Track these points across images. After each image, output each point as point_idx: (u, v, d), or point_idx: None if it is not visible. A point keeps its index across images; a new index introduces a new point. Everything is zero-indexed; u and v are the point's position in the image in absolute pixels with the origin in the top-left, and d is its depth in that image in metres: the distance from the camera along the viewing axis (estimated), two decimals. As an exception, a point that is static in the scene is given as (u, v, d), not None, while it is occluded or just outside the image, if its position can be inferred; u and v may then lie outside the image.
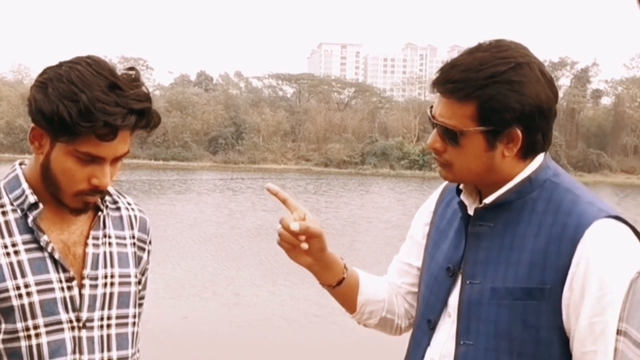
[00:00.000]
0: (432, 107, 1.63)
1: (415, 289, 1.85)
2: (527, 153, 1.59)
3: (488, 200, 1.60)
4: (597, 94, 76.23)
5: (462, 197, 1.67)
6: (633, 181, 63.14)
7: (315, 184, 48.43)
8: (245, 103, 76.21)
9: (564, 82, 75.58)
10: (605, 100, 76.79)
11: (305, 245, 1.68)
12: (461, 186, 1.69)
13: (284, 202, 1.73)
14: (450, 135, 1.57)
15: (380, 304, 1.85)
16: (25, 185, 1.64)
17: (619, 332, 0.73)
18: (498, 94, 1.51)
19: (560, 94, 75.63)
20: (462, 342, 1.59)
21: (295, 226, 1.65)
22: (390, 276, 1.91)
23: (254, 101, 77.33)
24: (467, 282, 1.60)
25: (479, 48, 1.57)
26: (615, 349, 0.73)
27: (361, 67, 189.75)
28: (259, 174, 58.00)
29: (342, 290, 1.81)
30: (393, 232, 20.18)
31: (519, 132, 1.54)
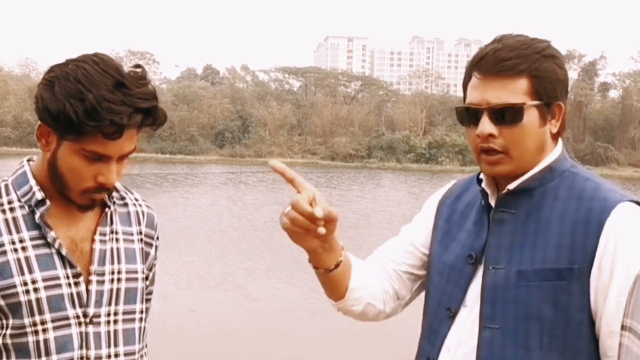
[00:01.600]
0: (461, 104, 1.65)
1: (415, 271, 1.86)
2: (560, 132, 1.65)
3: (512, 186, 1.63)
4: (605, 87, 75.83)
5: (484, 185, 1.69)
6: (641, 175, 62.86)
7: (325, 177, 48.43)
8: (252, 96, 76.11)
9: (571, 75, 75.14)
10: (613, 94, 76.40)
11: (322, 230, 1.53)
12: (481, 176, 1.70)
13: (291, 181, 1.57)
14: (509, 115, 1.58)
15: (368, 289, 1.81)
16: (32, 182, 1.65)
17: (623, 328, 0.70)
18: (549, 66, 1.59)
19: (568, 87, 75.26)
20: (486, 327, 1.60)
21: (319, 212, 1.49)
22: (391, 254, 1.88)
23: (260, 95, 77.20)
24: (490, 267, 1.62)
25: (505, 37, 1.63)
26: (620, 344, 0.71)
27: (368, 60, 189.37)
28: (266, 168, 57.96)
29: (337, 273, 1.73)
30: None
31: (562, 107, 1.62)
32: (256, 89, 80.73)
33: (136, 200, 1.84)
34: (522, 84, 1.58)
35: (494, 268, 1.61)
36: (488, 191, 1.68)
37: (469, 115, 1.63)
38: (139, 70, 1.62)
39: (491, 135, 1.60)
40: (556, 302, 1.54)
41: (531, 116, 1.59)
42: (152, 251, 1.84)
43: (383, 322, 1.96)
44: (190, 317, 10.62)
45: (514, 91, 1.58)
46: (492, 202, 1.67)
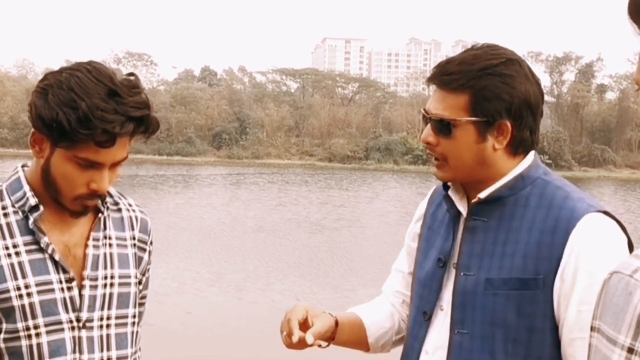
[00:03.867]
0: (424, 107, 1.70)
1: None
2: (516, 149, 1.65)
3: (483, 194, 1.65)
4: (602, 89, 75.92)
5: (450, 192, 1.73)
6: (638, 176, 62.91)
7: (323, 179, 48.34)
8: (249, 98, 76.13)
9: (568, 77, 75.40)
10: (610, 95, 76.49)
11: (323, 344, 1.80)
12: (449, 183, 1.74)
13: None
14: (443, 127, 1.64)
15: (388, 334, 1.94)
16: (26, 187, 1.67)
17: (592, 329, 0.77)
18: (490, 84, 1.59)
19: (565, 89, 75.80)
20: (456, 332, 1.65)
21: (310, 339, 1.71)
22: (393, 286, 1.98)
23: (257, 96, 77.23)
24: (462, 274, 1.66)
25: (473, 47, 1.67)
26: (590, 345, 0.78)
27: (365, 62, 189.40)
28: (263, 169, 58.01)
29: (343, 341, 1.88)
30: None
31: (509, 125, 1.61)
32: (253, 91, 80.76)
33: (130, 205, 1.86)
34: (462, 99, 1.61)
35: (465, 274, 1.66)
36: (455, 198, 1.71)
37: (424, 120, 1.71)
38: (132, 78, 1.64)
39: (431, 143, 1.67)
40: (520, 310, 1.57)
41: (466, 131, 1.62)
42: (146, 256, 1.86)
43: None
44: (186, 319, 10.63)
45: (452, 105, 1.62)
46: (462, 209, 1.70)
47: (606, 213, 1.59)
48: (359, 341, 1.92)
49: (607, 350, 0.76)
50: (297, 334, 1.70)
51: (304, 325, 1.74)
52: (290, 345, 1.74)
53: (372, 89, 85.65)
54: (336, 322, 1.85)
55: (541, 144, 65.31)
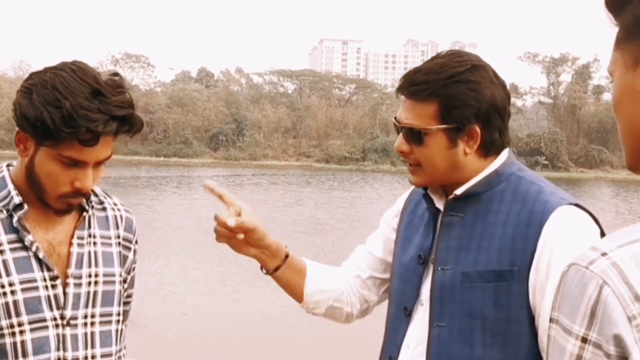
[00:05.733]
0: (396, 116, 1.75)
1: (377, 275, 1.97)
2: (487, 150, 1.70)
3: (459, 191, 1.70)
4: (599, 90, 75.95)
5: (429, 191, 1.77)
6: (634, 177, 62.99)
7: (320, 180, 48.37)
8: (246, 99, 76.17)
9: (565, 78, 75.45)
10: (607, 96, 76.41)
11: (241, 236, 1.80)
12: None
13: (220, 197, 1.84)
14: (415, 136, 1.69)
15: (326, 293, 1.95)
16: (11, 186, 1.68)
17: (551, 320, 0.81)
18: (457, 92, 1.64)
19: (562, 90, 75.94)
20: (435, 325, 1.68)
21: (232, 222, 1.76)
22: (355, 261, 2.01)
23: (254, 97, 77.26)
24: (439, 268, 1.70)
25: (438, 55, 1.71)
26: (549, 336, 0.81)
27: (362, 63, 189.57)
28: (260, 171, 57.99)
29: (284, 277, 1.92)
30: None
31: (478, 130, 1.66)
32: (251, 92, 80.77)
33: (115, 204, 1.87)
34: (430, 108, 1.66)
35: (442, 269, 1.69)
36: (434, 196, 1.76)
37: (396, 129, 1.76)
38: (116, 78, 1.65)
39: (404, 152, 1.73)
40: (497, 302, 1.61)
41: (437, 139, 1.67)
42: (131, 255, 1.87)
43: (380, 329, 2.04)
44: (182, 321, 10.63)
45: (421, 114, 1.67)
46: (440, 206, 1.75)
47: (578, 205, 1.63)
48: (296, 287, 1.94)
49: (562, 341, 0.79)
50: (231, 220, 1.77)
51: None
52: (218, 238, 1.82)
53: (369, 90, 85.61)
54: (286, 256, 1.91)
55: (538, 145, 66.48)
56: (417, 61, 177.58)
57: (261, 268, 1.94)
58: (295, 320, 10.18)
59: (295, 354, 9.09)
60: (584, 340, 0.77)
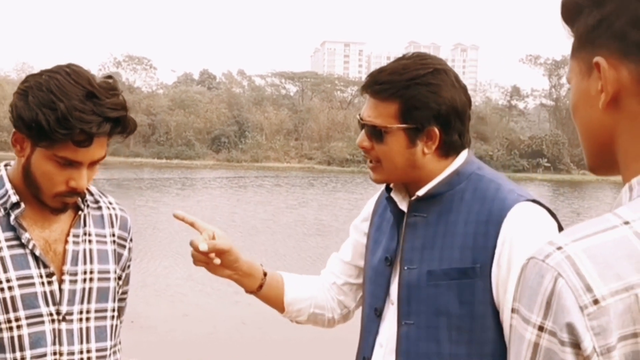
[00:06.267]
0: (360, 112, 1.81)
1: (352, 280, 2.03)
2: (446, 151, 1.75)
3: (421, 192, 1.75)
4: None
5: (392, 194, 1.82)
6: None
7: (335, 182, 48.30)
8: (248, 101, 76.26)
9: (566, 80, 75.30)
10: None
11: (217, 260, 1.86)
12: (391, 185, 1.83)
13: (191, 225, 1.90)
14: (376, 133, 1.75)
15: (306, 301, 2.02)
16: (8, 185, 1.74)
17: (513, 311, 0.86)
18: (418, 94, 1.69)
19: (563, 92, 75.88)
20: (403, 323, 1.73)
21: (203, 247, 1.82)
22: (331, 268, 2.07)
23: (256, 100, 77.37)
24: (405, 268, 1.75)
25: (404, 57, 1.77)
26: (510, 326, 0.86)
27: (364, 65, 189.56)
28: (262, 172, 58.03)
29: (265, 294, 2.00)
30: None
31: (437, 131, 1.71)
32: (253, 94, 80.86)
33: (110, 203, 1.93)
34: (391, 107, 1.71)
35: (408, 268, 1.74)
36: (397, 198, 1.81)
37: (359, 125, 1.81)
38: (110, 80, 1.71)
39: (366, 148, 1.78)
40: (462, 299, 1.66)
41: (397, 137, 1.73)
42: (125, 252, 1.93)
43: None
44: (183, 321, 10.66)
45: (383, 113, 1.73)
46: (404, 207, 1.79)
47: (535, 201, 1.68)
48: (277, 299, 2.02)
49: (522, 330, 0.84)
50: (202, 244, 1.82)
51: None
52: (196, 263, 1.87)
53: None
54: (264, 274, 1.98)
55: (540, 147, 66.38)
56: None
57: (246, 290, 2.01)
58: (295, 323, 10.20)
59: (302, 354, 9.10)
60: (541, 328, 0.82)
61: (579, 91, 0.97)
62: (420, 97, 1.69)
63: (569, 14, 0.97)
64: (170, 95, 74.41)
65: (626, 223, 0.84)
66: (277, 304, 2.03)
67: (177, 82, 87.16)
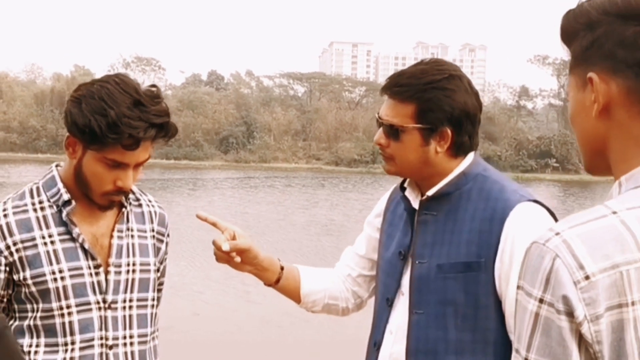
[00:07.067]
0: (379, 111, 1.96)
1: (365, 272, 2.18)
2: (456, 151, 1.90)
3: (430, 192, 1.90)
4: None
5: (406, 193, 1.98)
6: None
7: (346, 183, 48.36)
8: (257, 102, 76.50)
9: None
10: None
11: (238, 259, 2.01)
12: (406, 184, 1.99)
13: (213, 224, 2.05)
14: (392, 132, 1.90)
15: (321, 293, 2.17)
16: (60, 184, 1.91)
17: (518, 287, 1.02)
18: (434, 97, 1.84)
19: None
20: (414, 312, 1.89)
21: (226, 247, 1.97)
22: (346, 261, 2.23)
23: (265, 100, 77.60)
24: (417, 262, 1.91)
25: (422, 62, 1.93)
26: (516, 300, 1.03)
27: (372, 65, 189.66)
28: (271, 173, 58.18)
29: (283, 286, 2.14)
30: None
31: (449, 132, 1.87)
32: (261, 95, 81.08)
33: (149, 201, 2.11)
34: (409, 108, 1.86)
35: (419, 262, 1.90)
36: (410, 197, 1.96)
37: (377, 124, 1.96)
38: (154, 89, 1.90)
39: (382, 145, 1.93)
40: (467, 290, 1.82)
41: (412, 136, 1.87)
42: (163, 246, 2.10)
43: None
44: (194, 320, 10.75)
45: (401, 113, 1.87)
46: (416, 206, 1.94)
47: (536, 201, 1.83)
48: (294, 291, 2.15)
49: (525, 302, 0.99)
50: (225, 245, 1.97)
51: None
52: (218, 256, 2.00)
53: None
54: (282, 268, 2.13)
55: (548, 147, 66.16)
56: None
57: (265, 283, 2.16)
58: (305, 323, 10.27)
59: (306, 355, 9.16)
60: (541, 300, 0.97)
61: (576, 102, 1.12)
62: (435, 100, 1.84)
63: (567, 37, 1.12)
64: (178, 96, 74.76)
65: (614, 213, 0.99)
66: (294, 295, 2.17)
67: (185, 83, 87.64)
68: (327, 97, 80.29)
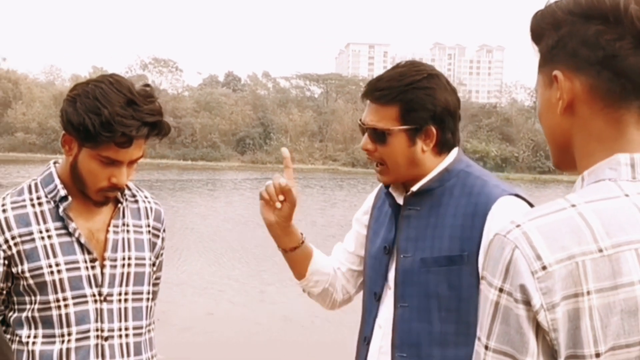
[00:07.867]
0: (361, 118, 1.99)
1: (354, 267, 2.20)
2: (441, 148, 1.93)
3: (415, 187, 1.94)
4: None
5: (390, 189, 2.01)
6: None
7: (364, 184, 48.29)
8: (273, 103, 76.75)
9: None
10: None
11: (278, 204, 2.03)
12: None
13: (286, 168, 2.08)
14: (379, 136, 1.92)
15: (326, 276, 2.19)
16: (57, 181, 1.98)
17: (482, 278, 1.06)
18: (416, 97, 1.88)
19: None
20: (399, 305, 1.93)
21: (283, 181, 2.01)
22: (336, 256, 2.26)
23: (281, 101, 77.81)
24: (401, 256, 1.94)
25: (398, 65, 1.97)
26: (480, 290, 1.06)
27: (389, 67, 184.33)
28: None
29: (295, 256, 2.14)
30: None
31: (434, 130, 1.90)
32: (277, 96, 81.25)
33: (146, 197, 2.17)
34: (392, 111, 1.89)
35: (404, 256, 1.93)
36: (395, 193, 1.99)
37: (361, 130, 1.98)
38: (147, 89, 1.95)
39: (369, 150, 1.95)
40: (450, 283, 1.85)
41: (398, 138, 1.90)
42: (159, 242, 2.16)
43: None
44: (207, 320, 10.78)
45: (384, 117, 1.90)
46: (400, 201, 1.97)
47: (517, 195, 1.86)
48: (302, 266, 2.16)
49: (487, 292, 1.03)
50: (283, 179, 2.01)
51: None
52: (263, 194, 2.04)
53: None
54: (302, 242, 2.14)
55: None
56: (444, 65, 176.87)
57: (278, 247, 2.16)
58: (319, 323, 10.26)
59: (320, 356, 9.13)
60: (501, 290, 1.00)
61: (543, 99, 1.15)
62: (418, 99, 1.88)
63: (535, 36, 1.16)
64: (195, 97, 75.17)
65: (573, 206, 1.02)
66: (301, 269, 2.17)
67: (202, 84, 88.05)
68: (343, 99, 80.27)
